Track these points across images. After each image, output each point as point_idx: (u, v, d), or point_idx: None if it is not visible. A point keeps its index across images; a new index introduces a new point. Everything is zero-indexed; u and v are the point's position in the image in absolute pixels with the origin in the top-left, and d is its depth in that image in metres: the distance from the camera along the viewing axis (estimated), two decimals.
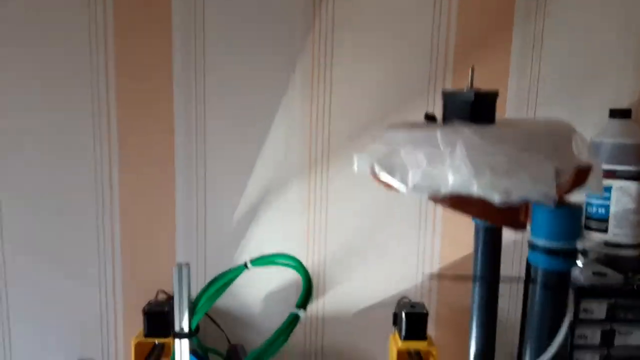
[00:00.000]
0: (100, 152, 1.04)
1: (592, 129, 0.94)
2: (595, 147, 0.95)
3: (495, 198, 0.54)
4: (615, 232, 0.95)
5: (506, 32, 1.00)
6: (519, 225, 0.63)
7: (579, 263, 0.94)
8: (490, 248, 0.76)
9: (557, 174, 0.53)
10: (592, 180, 0.56)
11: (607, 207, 0.95)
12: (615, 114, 0.95)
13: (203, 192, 1.05)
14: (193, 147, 1.04)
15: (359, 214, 1.06)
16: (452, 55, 1.00)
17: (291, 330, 0.85)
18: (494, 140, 0.53)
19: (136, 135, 1.03)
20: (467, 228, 1.05)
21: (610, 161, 0.94)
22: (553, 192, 0.52)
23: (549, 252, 0.56)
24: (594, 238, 0.97)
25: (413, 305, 1.01)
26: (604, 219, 0.96)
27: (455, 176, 0.54)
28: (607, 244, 0.96)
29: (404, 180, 0.58)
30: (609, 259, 0.96)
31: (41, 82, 1.01)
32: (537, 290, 0.58)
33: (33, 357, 1.08)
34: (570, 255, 0.56)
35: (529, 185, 0.52)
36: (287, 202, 1.05)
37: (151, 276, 1.06)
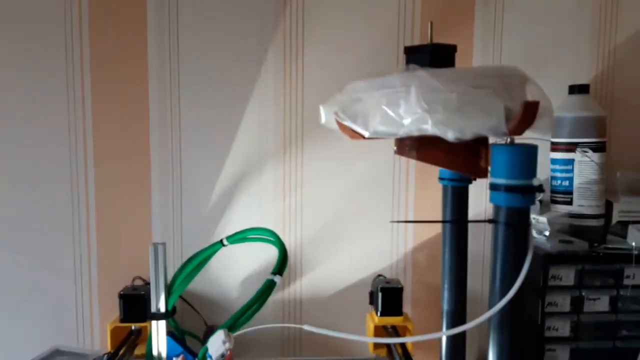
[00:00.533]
0: (75, 139, 1.05)
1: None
2: (555, 122, 0.99)
3: (449, 135, 0.57)
4: (580, 204, 0.99)
5: (468, 16, 1.05)
6: (480, 172, 0.66)
7: (546, 232, 0.97)
8: (457, 204, 0.79)
9: (508, 110, 0.56)
10: (541, 120, 0.59)
11: (571, 180, 0.99)
12: (573, 89, 1.00)
13: (179, 179, 1.06)
14: (168, 132, 1.06)
15: (334, 196, 1.08)
16: (418, 39, 1.05)
17: (267, 296, 0.86)
18: (447, 80, 0.57)
19: (110, 121, 1.05)
20: (439, 206, 1.09)
21: (571, 134, 0.98)
22: (503, 126, 0.55)
23: (508, 189, 0.59)
24: (560, 210, 1.01)
25: (388, 281, 1.03)
26: (569, 192, 0.99)
27: (412, 115, 0.57)
28: (571, 215, 0.99)
29: (365, 126, 0.61)
30: (574, 229, 0.99)
31: (15, 69, 1.02)
32: (500, 229, 0.61)
33: (8, 346, 1.06)
34: (528, 192, 0.58)
35: (480, 120, 0.56)
36: (263, 185, 1.07)
37: (127, 262, 1.06)
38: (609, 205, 1.00)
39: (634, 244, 0.91)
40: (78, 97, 1.04)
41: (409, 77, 0.58)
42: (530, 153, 0.59)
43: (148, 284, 0.99)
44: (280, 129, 1.06)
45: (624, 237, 0.95)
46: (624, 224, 0.97)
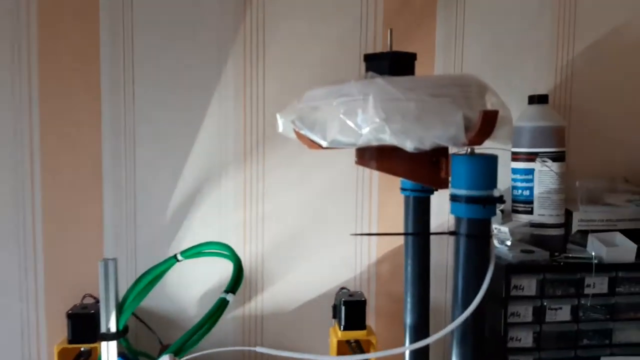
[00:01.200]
0: (21, 147, 0.99)
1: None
2: (516, 132, 0.99)
3: (408, 145, 0.55)
4: (540, 213, 0.99)
5: (430, 24, 1.05)
6: (440, 183, 0.64)
7: (508, 242, 0.97)
8: (418, 214, 0.77)
9: (467, 120, 0.55)
10: (501, 130, 0.58)
11: (531, 189, 0.99)
12: (533, 99, 1.01)
13: (132, 189, 1.01)
14: (121, 139, 1.01)
15: (296, 206, 1.05)
16: (380, 47, 1.04)
17: (219, 316, 0.82)
18: (406, 88, 0.55)
19: (58, 127, 0.99)
20: (402, 217, 1.07)
21: (531, 144, 0.99)
22: (462, 136, 0.54)
23: (469, 200, 0.57)
24: (521, 219, 1.01)
25: (351, 294, 1.00)
26: (529, 201, 1.00)
27: (370, 124, 0.55)
28: (532, 224, 0.99)
29: (323, 135, 0.58)
30: (535, 239, 0.99)
31: None
32: (461, 241, 0.59)
33: None
34: (489, 202, 0.57)
35: (439, 129, 0.54)
36: (222, 194, 1.03)
37: (77, 279, 1.00)
38: (568, 215, 1.01)
39: (593, 253, 0.91)
40: (24, 102, 0.98)
41: (367, 85, 0.56)
42: (490, 163, 0.58)
43: (99, 301, 0.94)
44: (240, 137, 1.03)
45: (584, 246, 0.96)
46: (584, 233, 0.98)
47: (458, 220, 0.60)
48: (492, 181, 0.58)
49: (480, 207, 0.57)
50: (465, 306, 0.59)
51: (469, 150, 0.59)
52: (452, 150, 0.61)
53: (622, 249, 0.93)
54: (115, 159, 1.01)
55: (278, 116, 0.63)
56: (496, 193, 0.57)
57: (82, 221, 1.01)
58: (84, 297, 1.00)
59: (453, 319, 0.62)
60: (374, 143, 0.57)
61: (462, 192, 0.58)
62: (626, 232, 0.96)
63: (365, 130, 0.55)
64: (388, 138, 0.55)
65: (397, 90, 0.55)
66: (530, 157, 0.99)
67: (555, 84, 1.08)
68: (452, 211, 0.60)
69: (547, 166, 0.95)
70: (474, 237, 0.58)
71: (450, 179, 0.61)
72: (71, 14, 0.98)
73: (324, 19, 1.03)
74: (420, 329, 0.79)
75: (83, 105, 0.99)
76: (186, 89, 1.01)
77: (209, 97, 1.02)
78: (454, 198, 0.59)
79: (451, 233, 0.60)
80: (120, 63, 0.99)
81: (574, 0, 1.07)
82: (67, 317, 0.92)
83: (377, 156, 0.65)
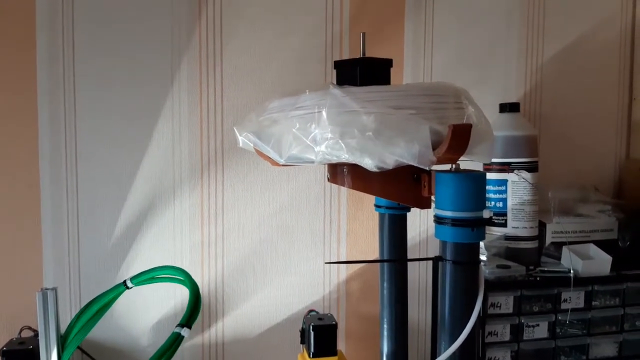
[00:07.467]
0: None
1: None
2: None
3: (368, 163, 0.49)
4: (514, 225, 0.95)
5: (398, 28, 1.00)
6: (422, 203, 0.59)
7: (483, 256, 0.93)
8: (395, 234, 0.71)
9: (437, 134, 0.49)
10: (480, 146, 0.53)
11: (504, 201, 0.96)
12: (505, 107, 0.97)
13: (75, 209, 0.91)
14: (62, 150, 0.90)
15: (259, 222, 0.97)
16: (347, 54, 0.98)
17: (172, 353, 0.74)
18: (365, 99, 0.48)
19: None
20: (372, 233, 1.01)
21: (504, 154, 0.95)
22: (429, 153, 0.48)
23: (455, 223, 0.52)
24: (495, 232, 0.97)
25: (321, 317, 0.93)
26: (503, 213, 0.96)
27: (324, 140, 0.48)
28: (507, 237, 0.96)
29: (279, 151, 0.52)
30: (510, 252, 0.96)
31: None
32: (448, 267, 0.54)
33: None
34: (478, 225, 0.52)
35: (401, 145, 0.48)
36: (177, 212, 0.94)
37: (13, 310, 0.89)
38: (541, 226, 0.98)
39: (571, 267, 0.88)
40: None
41: (322, 96, 0.50)
42: (478, 182, 0.53)
43: (38, 335, 0.84)
44: (196, 148, 0.95)
45: (558, 258, 0.93)
46: (557, 245, 0.95)
47: (443, 245, 0.54)
48: (480, 201, 0.52)
49: (469, 231, 0.52)
50: (452, 337, 0.54)
51: (453, 166, 0.54)
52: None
53: (598, 262, 0.91)
54: (54, 173, 0.90)
55: (236, 130, 0.56)
56: (486, 214, 0.52)
57: (17, 244, 0.90)
58: (22, 329, 0.88)
59: (437, 350, 0.56)
60: (334, 160, 0.51)
61: (447, 213, 0.52)
62: (598, 243, 0.94)
63: (321, 147, 0.49)
64: (345, 155, 0.48)
65: (355, 102, 0.48)
66: (504, 167, 0.95)
67: (525, 92, 1.05)
68: (437, 235, 0.54)
69: (524, 178, 0.91)
70: (462, 264, 0.53)
71: (433, 198, 0.56)
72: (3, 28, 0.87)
73: (286, 18, 0.96)
74: (399, 358, 0.73)
75: (16, 111, 0.88)
76: (133, 93, 0.91)
77: (160, 105, 0.93)
78: (438, 220, 0.53)
79: (436, 259, 0.55)
80: (60, 62, 0.89)
81: (543, 6, 1.05)
82: (1, 355, 0.82)
83: (351, 173, 0.59)
